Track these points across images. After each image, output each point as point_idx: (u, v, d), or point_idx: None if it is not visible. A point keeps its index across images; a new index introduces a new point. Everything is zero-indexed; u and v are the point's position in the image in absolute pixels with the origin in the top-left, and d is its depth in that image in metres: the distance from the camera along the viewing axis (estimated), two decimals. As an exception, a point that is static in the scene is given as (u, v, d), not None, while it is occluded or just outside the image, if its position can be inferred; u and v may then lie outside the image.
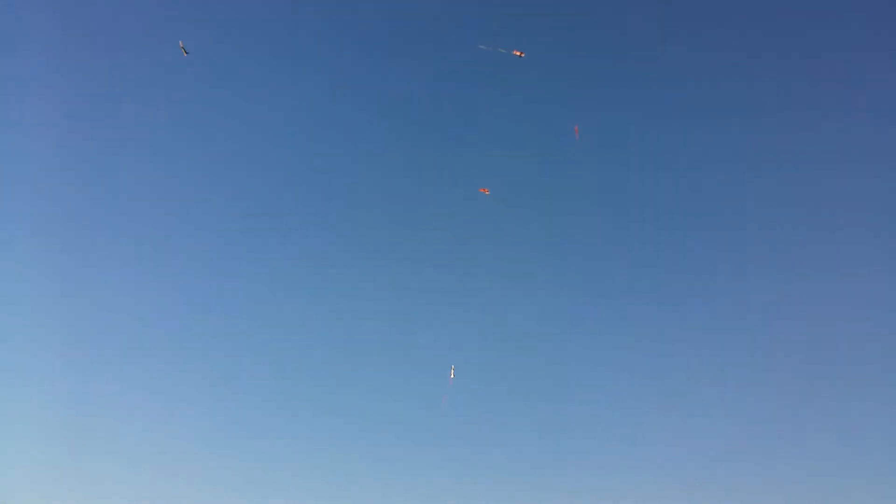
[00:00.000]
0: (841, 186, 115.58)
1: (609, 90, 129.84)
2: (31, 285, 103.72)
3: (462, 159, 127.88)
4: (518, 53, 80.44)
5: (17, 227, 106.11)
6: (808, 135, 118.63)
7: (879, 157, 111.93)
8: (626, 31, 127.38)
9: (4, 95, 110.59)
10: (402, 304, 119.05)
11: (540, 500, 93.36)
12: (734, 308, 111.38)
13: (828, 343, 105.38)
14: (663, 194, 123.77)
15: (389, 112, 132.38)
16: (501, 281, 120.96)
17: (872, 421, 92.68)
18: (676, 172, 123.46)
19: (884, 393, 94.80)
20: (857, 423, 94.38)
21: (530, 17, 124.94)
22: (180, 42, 70.43)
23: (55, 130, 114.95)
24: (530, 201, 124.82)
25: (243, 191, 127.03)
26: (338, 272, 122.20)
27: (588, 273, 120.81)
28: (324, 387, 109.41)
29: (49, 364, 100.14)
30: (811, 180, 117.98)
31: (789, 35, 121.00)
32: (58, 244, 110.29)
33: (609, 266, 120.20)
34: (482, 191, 77.89)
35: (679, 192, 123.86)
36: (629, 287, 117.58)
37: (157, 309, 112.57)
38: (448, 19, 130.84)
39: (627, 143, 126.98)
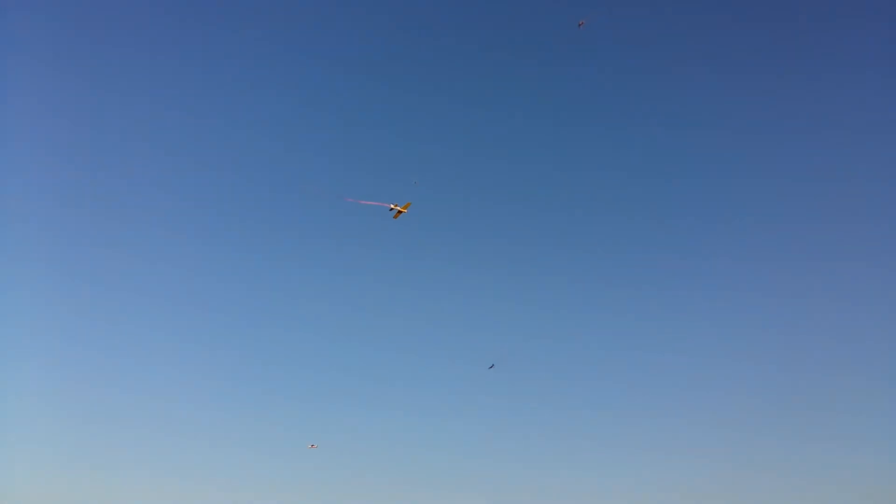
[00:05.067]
0: (836, 187, 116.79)
1: (608, 94, 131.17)
2: (29, 284, 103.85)
3: (460, 161, 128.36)
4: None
5: (16, 227, 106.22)
6: (803, 138, 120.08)
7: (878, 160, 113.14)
8: (627, 38, 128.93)
9: (4, 95, 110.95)
10: (404, 301, 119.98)
11: (541, 499, 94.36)
12: (737, 310, 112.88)
13: (827, 341, 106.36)
14: (665, 195, 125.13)
15: (391, 112, 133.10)
16: (500, 278, 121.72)
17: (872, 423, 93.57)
18: (677, 174, 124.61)
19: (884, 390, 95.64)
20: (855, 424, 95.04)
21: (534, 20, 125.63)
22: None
23: (53, 131, 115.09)
24: (534, 201, 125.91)
25: (244, 191, 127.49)
26: (339, 272, 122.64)
27: (591, 272, 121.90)
28: (324, 387, 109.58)
29: (47, 364, 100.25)
30: (811, 178, 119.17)
31: (784, 44, 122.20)
32: (56, 244, 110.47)
33: (612, 264, 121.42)
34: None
35: (678, 192, 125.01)
36: (629, 287, 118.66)
37: (157, 308, 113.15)
38: (451, 22, 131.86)
39: (628, 145, 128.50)
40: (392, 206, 74.85)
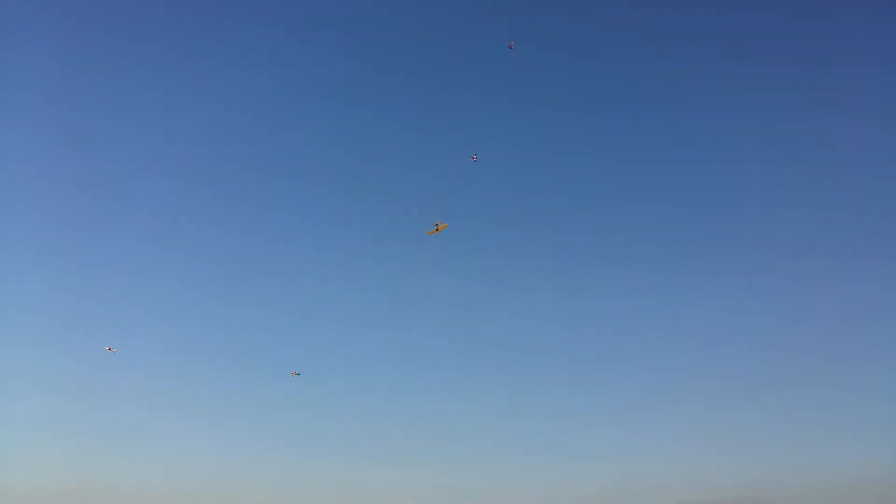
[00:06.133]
0: (839, 185, 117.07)
1: (611, 91, 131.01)
2: (31, 280, 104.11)
3: (460, 155, 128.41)
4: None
5: (18, 225, 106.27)
6: (808, 131, 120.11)
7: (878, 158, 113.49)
8: (627, 33, 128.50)
9: (5, 94, 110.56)
10: (404, 300, 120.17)
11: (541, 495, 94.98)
12: (736, 309, 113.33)
13: (829, 341, 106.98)
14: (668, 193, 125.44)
15: (396, 112, 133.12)
16: (502, 277, 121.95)
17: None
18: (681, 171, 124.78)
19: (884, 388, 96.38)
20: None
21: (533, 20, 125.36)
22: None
23: (56, 130, 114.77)
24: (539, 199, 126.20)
25: (246, 191, 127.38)
26: (341, 272, 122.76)
27: (594, 271, 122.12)
28: (326, 385, 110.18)
29: (48, 360, 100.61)
30: (814, 176, 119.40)
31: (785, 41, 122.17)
32: (58, 241, 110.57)
33: (614, 262, 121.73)
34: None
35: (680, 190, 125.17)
36: (632, 285, 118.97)
37: (158, 307, 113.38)
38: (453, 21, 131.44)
39: (632, 144, 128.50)
40: (437, 222, 73.68)
